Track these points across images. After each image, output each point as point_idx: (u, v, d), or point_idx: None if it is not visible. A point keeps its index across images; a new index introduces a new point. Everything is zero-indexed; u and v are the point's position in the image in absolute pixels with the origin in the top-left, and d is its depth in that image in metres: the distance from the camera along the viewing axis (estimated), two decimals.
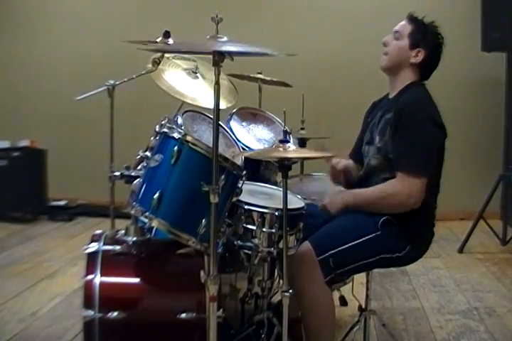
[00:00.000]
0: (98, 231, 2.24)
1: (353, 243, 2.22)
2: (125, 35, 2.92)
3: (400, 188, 2.19)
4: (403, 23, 2.42)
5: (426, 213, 2.30)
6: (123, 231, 2.18)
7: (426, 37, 2.37)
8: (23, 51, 5.48)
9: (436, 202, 2.37)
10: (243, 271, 2.52)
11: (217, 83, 1.77)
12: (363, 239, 2.23)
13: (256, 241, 2.21)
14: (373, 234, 2.24)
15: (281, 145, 1.99)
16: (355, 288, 2.91)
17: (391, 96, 2.46)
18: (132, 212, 2.05)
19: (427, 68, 2.41)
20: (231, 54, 1.77)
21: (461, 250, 4.27)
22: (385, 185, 2.25)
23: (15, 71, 5.52)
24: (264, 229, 2.21)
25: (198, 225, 1.96)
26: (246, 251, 2.27)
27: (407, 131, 2.22)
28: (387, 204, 2.23)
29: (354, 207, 2.31)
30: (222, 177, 1.96)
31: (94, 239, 2.15)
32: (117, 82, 2.59)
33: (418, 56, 2.36)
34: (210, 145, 1.82)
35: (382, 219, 2.25)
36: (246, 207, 2.22)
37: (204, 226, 1.96)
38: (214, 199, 1.78)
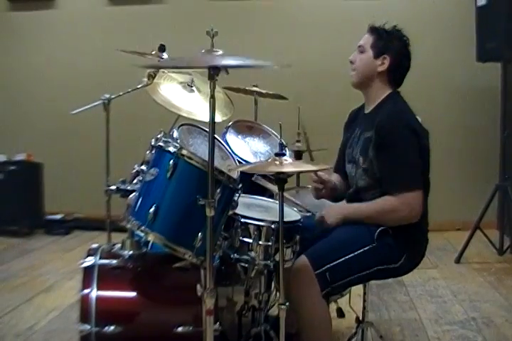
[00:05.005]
0: (94, 245, 2.24)
1: (350, 256, 2.22)
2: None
3: (399, 206, 2.20)
4: (366, 35, 2.39)
5: (419, 220, 2.28)
6: (119, 245, 2.18)
7: (389, 42, 2.33)
8: (18, 65, 5.49)
9: (427, 207, 2.34)
10: (240, 284, 2.52)
11: (212, 97, 1.77)
12: (359, 251, 2.23)
13: (252, 254, 2.21)
14: (369, 246, 2.24)
15: (277, 158, 1.99)
16: (352, 299, 2.91)
17: (367, 111, 2.44)
18: (128, 225, 2.05)
19: (396, 73, 2.37)
20: (227, 68, 1.77)
21: (458, 260, 4.26)
22: (384, 201, 2.24)
23: (11, 85, 5.53)
24: (260, 242, 2.21)
25: (194, 239, 1.96)
26: (242, 264, 2.27)
27: (391, 148, 2.22)
28: (387, 219, 2.25)
29: (353, 220, 2.30)
30: (218, 190, 1.97)
31: (91, 253, 2.15)
32: (113, 96, 2.60)
33: (384, 63, 2.33)
34: (206, 158, 1.83)
35: (378, 231, 2.25)
36: (242, 220, 2.22)
37: (200, 240, 1.96)
38: (210, 212, 1.78)
